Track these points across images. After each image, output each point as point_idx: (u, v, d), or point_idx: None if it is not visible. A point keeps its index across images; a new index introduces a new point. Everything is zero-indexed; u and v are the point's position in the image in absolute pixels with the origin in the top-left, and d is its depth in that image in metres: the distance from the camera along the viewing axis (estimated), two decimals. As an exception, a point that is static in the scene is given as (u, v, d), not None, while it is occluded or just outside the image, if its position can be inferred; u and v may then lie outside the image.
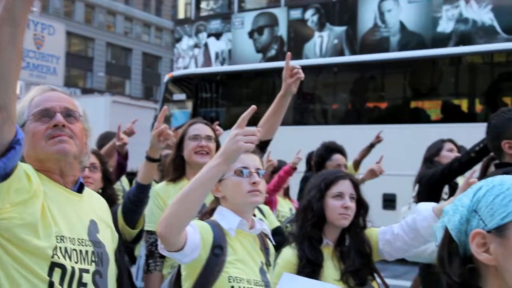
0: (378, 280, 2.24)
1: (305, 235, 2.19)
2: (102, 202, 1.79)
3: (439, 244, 1.05)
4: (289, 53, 2.43)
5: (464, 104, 9.67)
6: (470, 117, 9.11)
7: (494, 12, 15.67)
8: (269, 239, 2.05)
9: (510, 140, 2.27)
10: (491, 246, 0.97)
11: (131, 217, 2.52)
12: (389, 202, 8.83)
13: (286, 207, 4.48)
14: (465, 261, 1.00)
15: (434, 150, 4.02)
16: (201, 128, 2.71)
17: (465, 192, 1.06)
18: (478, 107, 9.39)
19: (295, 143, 5.82)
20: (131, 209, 2.50)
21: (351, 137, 6.84)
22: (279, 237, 3.20)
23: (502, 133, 2.31)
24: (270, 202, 4.35)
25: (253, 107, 1.61)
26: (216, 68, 18.53)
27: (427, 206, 2.04)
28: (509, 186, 0.99)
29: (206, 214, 1.99)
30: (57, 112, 1.57)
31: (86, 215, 1.62)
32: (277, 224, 3.91)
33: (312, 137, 7.51)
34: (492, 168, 2.80)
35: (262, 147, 2.46)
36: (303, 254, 2.15)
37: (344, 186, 2.23)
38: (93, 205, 1.69)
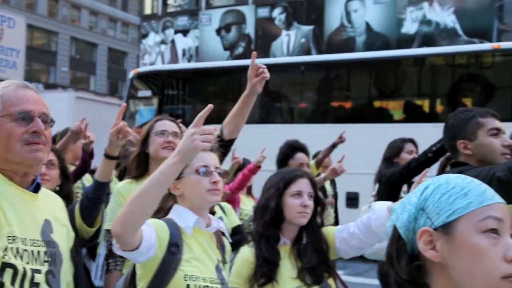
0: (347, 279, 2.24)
1: (263, 233, 2.19)
2: (58, 202, 1.78)
3: (389, 243, 1.06)
4: (254, 53, 2.43)
5: (426, 105, 9.88)
6: (431, 117, 9.32)
7: (456, 14, 16.07)
8: (226, 237, 2.06)
9: (465, 140, 2.31)
10: (438, 243, 0.99)
11: (89, 215, 2.48)
12: (352, 200, 8.95)
13: (249, 205, 4.48)
14: (412, 259, 1.02)
15: (395, 151, 4.08)
16: (168, 124, 2.68)
17: (413, 191, 1.08)
18: (439, 108, 9.61)
19: (261, 141, 5.81)
20: (89, 206, 2.46)
21: (317, 135, 6.89)
22: (240, 236, 3.19)
23: (458, 133, 2.34)
24: (233, 200, 4.34)
25: (210, 106, 1.61)
26: (182, 65, 18.40)
27: (382, 205, 2.07)
28: (454, 185, 1.02)
29: (161, 211, 1.97)
30: (36, 117, 1.57)
31: (40, 215, 1.60)
32: (238, 222, 3.89)
33: (278, 135, 7.54)
34: (449, 168, 2.86)
35: (226, 146, 2.45)
36: (260, 253, 2.14)
37: (303, 184, 2.24)
38: (48, 205, 1.67)
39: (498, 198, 1.02)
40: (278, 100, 11.35)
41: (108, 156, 2.39)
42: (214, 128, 1.65)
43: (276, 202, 2.19)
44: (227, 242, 2.06)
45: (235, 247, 2.37)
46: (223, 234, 2.05)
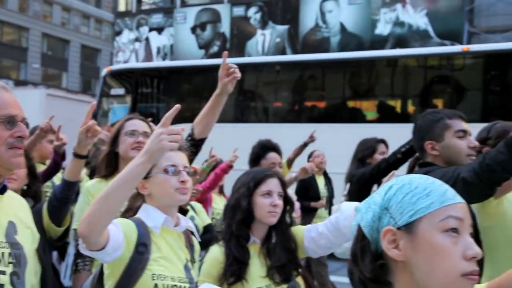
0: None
1: (233, 233, 2.19)
2: (23, 203, 1.77)
3: (353, 242, 1.08)
4: (225, 52, 2.43)
5: (398, 105, 10.02)
6: (404, 117, 9.44)
7: (428, 17, 16.34)
8: (195, 236, 2.06)
9: (433, 141, 2.34)
10: (401, 242, 1.01)
11: (57, 214, 2.45)
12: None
13: (221, 204, 4.46)
14: (376, 257, 1.04)
15: (369, 152, 4.12)
16: (138, 124, 2.65)
17: (378, 191, 1.09)
18: (411, 108, 9.75)
19: (236, 140, 5.81)
20: (57, 206, 2.42)
21: (291, 135, 6.91)
22: (210, 234, 3.18)
23: (426, 134, 2.38)
24: (205, 200, 4.34)
25: (177, 106, 1.60)
26: (156, 63, 18.24)
27: (350, 206, 2.09)
28: (417, 185, 1.04)
29: (130, 211, 1.97)
30: (19, 122, 1.59)
31: (4, 217, 1.59)
32: (209, 221, 3.91)
33: (253, 134, 7.53)
34: (417, 168, 2.91)
35: (197, 145, 2.45)
36: (230, 252, 2.15)
37: (273, 184, 2.25)
38: (13, 206, 1.66)
39: (458, 198, 1.04)
40: (253, 100, 11.36)
41: (77, 155, 2.36)
42: (182, 128, 1.65)
43: (246, 202, 2.20)
44: (196, 241, 2.06)
45: (206, 246, 2.38)
46: (192, 233, 2.05)
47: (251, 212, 2.21)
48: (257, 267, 2.17)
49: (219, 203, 4.48)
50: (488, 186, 2.04)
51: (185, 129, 1.70)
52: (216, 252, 2.20)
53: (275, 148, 3.86)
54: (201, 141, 2.47)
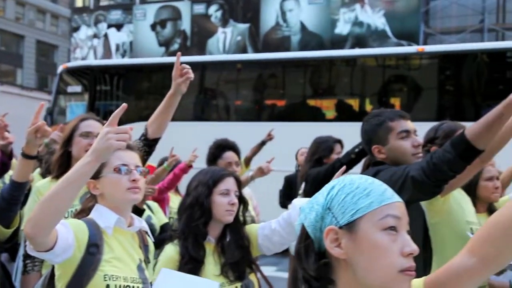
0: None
1: (191, 231, 2.21)
2: None
3: (297, 241, 1.10)
4: (179, 53, 2.44)
5: (356, 104, 10.18)
6: (362, 116, 9.59)
7: (386, 17, 16.68)
8: (149, 236, 2.05)
9: (379, 145, 2.38)
10: (343, 241, 1.05)
11: (5, 216, 2.38)
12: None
13: (178, 203, 4.44)
14: (319, 256, 1.07)
15: (327, 152, 4.14)
16: (93, 125, 2.60)
17: (320, 191, 1.12)
18: (369, 107, 9.93)
19: (196, 139, 5.77)
20: (5, 208, 2.36)
21: (252, 133, 6.92)
22: (167, 234, 3.16)
23: (371, 139, 2.42)
24: (163, 199, 4.31)
25: (124, 105, 1.61)
26: (115, 60, 17.93)
27: (302, 202, 2.11)
28: (358, 185, 1.08)
29: (82, 212, 1.95)
30: None
31: None
32: (166, 220, 3.88)
33: (214, 133, 7.51)
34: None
35: (151, 144, 2.45)
36: (186, 251, 2.15)
37: (230, 183, 2.28)
38: None
39: (396, 197, 1.09)
40: (214, 98, 11.32)
41: (25, 156, 2.30)
42: (130, 128, 1.65)
43: (206, 200, 2.22)
44: (150, 241, 2.05)
45: (163, 245, 2.35)
46: (146, 233, 2.04)
47: (210, 210, 2.22)
48: (211, 266, 2.19)
49: (176, 202, 4.40)
50: (436, 184, 2.09)
51: (133, 128, 1.68)
52: (171, 251, 2.21)
53: (231, 147, 3.85)
54: (155, 140, 2.47)
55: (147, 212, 3.77)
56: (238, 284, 2.20)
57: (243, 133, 8.09)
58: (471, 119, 2.86)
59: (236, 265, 2.20)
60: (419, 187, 2.08)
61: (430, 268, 2.46)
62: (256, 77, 10.91)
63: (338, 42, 16.38)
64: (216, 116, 11.07)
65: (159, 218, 3.86)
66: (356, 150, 3.41)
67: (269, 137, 5.82)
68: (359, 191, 1.07)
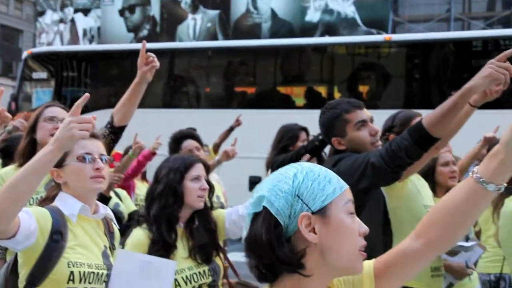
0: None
1: (164, 217, 2.24)
2: None
3: (263, 230, 1.10)
4: (144, 41, 2.46)
5: (325, 92, 10.26)
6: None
7: (355, 5, 16.80)
8: (114, 223, 2.08)
9: (338, 137, 2.44)
10: (316, 226, 1.08)
11: None
12: (255, 184, 9.06)
13: (144, 190, 4.46)
14: (289, 242, 1.09)
15: (293, 140, 4.17)
16: (58, 111, 2.59)
17: (281, 179, 1.12)
18: (337, 95, 10.01)
19: (166, 126, 5.74)
20: None
21: (222, 120, 6.92)
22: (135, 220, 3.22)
23: (330, 132, 2.48)
24: (128, 186, 4.33)
25: (87, 94, 1.63)
26: (82, 46, 17.59)
27: None
28: (318, 173, 1.12)
29: (47, 200, 1.96)
30: None
31: None
32: (134, 208, 3.93)
33: (184, 120, 7.48)
34: None
35: (117, 132, 2.47)
36: (160, 236, 2.20)
37: (200, 169, 2.33)
38: None
39: (346, 185, 1.15)
40: (184, 85, 11.24)
41: None
42: (93, 117, 1.66)
43: (179, 186, 2.26)
44: (116, 228, 2.08)
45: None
46: (111, 220, 2.06)
47: (182, 196, 2.26)
48: (180, 249, 2.25)
49: (142, 189, 4.49)
50: (394, 171, 2.17)
51: (96, 117, 1.69)
52: (139, 235, 2.25)
53: (190, 135, 3.91)
54: (121, 128, 2.48)
55: (115, 200, 3.79)
56: (206, 268, 2.26)
57: (213, 120, 8.08)
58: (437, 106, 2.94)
59: (203, 249, 2.27)
60: (379, 173, 2.16)
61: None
62: (226, 64, 10.87)
63: (309, 29, 16.43)
64: (186, 103, 11.01)
65: (128, 205, 3.89)
66: (320, 137, 3.46)
67: (237, 123, 5.83)
68: (322, 179, 1.11)
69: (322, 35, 16.11)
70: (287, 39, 12.61)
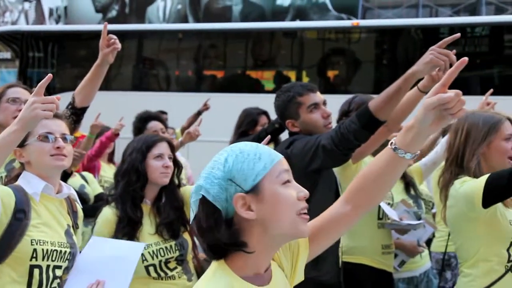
0: None
1: (129, 195, 2.35)
2: None
3: (203, 216, 1.18)
4: (105, 23, 2.50)
5: (294, 76, 10.31)
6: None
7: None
8: (77, 203, 2.13)
9: (292, 119, 2.53)
10: (252, 204, 1.17)
11: None
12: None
13: (110, 172, 4.53)
14: (228, 224, 1.18)
15: (252, 125, 4.22)
16: (21, 92, 2.58)
17: (212, 166, 1.20)
18: (305, 80, 10.07)
19: (135, 109, 5.69)
20: None
21: (192, 104, 6.90)
22: (102, 202, 3.33)
23: (284, 114, 2.57)
24: (93, 168, 4.34)
25: (50, 75, 1.68)
26: (48, 26, 17.17)
27: None
28: (248, 152, 1.19)
29: (11, 180, 2.00)
30: None
31: None
32: (100, 190, 3.97)
33: (153, 103, 7.41)
34: None
35: (78, 113, 2.51)
36: (125, 213, 2.32)
37: (163, 147, 2.44)
38: None
39: (280, 155, 1.23)
40: (153, 68, 11.12)
41: None
42: (57, 97, 1.70)
43: (141, 165, 2.37)
44: (79, 208, 2.14)
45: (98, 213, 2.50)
46: (75, 200, 2.12)
47: (145, 174, 2.37)
48: (147, 226, 2.36)
49: (107, 171, 4.54)
50: (343, 153, 2.28)
51: (60, 97, 1.72)
52: (108, 213, 2.37)
53: (154, 117, 3.95)
54: (82, 109, 2.53)
55: (80, 181, 3.80)
56: (172, 243, 2.37)
57: (183, 104, 8.03)
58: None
59: (170, 225, 2.37)
60: (329, 155, 2.27)
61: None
62: (197, 47, 10.79)
63: (280, 13, 16.39)
64: (155, 86, 10.90)
65: (94, 188, 3.93)
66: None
67: (205, 107, 5.85)
68: (251, 158, 1.18)
69: (292, 19, 16.10)
70: (258, 23, 12.57)
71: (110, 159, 4.78)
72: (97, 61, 2.47)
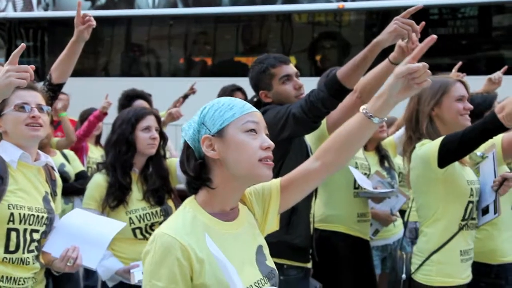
0: None
1: (119, 163, 2.53)
2: None
3: (183, 154, 1.39)
4: (79, 1, 2.54)
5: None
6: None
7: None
8: (55, 171, 2.23)
9: (265, 90, 2.60)
10: (216, 145, 1.35)
11: None
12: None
13: (97, 154, 4.60)
14: (197, 160, 1.37)
15: None
16: None
17: (197, 113, 1.39)
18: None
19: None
20: None
21: (181, 89, 6.89)
22: (83, 180, 3.49)
23: (257, 85, 2.63)
24: (81, 148, 4.40)
25: (23, 45, 1.76)
26: (36, 13, 16.99)
27: None
28: (223, 102, 1.38)
29: None
30: None
31: None
32: (81, 168, 4.16)
33: (142, 88, 7.36)
34: None
35: (55, 90, 2.57)
36: (116, 180, 2.50)
37: (151, 120, 2.60)
38: None
39: (254, 109, 1.39)
40: (142, 54, 11.06)
41: None
42: (31, 66, 1.75)
43: (131, 136, 2.53)
44: (58, 176, 2.23)
45: (83, 191, 2.69)
46: (53, 169, 2.21)
47: (134, 144, 2.54)
48: (135, 193, 2.55)
49: (95, 152, 4.69)
50: (313, 120, 2.34)
51: (34, 67, 1.77)
52: (99, 178, 2.57)
53: (140, 96, 4.02)
54: (59, 86, 2.59)
55: (61, 160, 3.85)
56: (158, 208, 2.56)
57: (172, 89, 8.00)
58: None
59: (156, 192, 2.57)
60: (299, 122, 2.34)
61: (316, 197, 2.73)
62: (186, 32, 10.73)
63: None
64: (145, 72, 10.86)
65: (75, 166, 4.02)
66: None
67: (192, 91, 5.86)
68: (224, 107, 1.36)
69: (284, 3, 16.01)
70: (248, 7, 12.50)
71: (97, 141, 4.91)
72: (73, 38, 2.53)
